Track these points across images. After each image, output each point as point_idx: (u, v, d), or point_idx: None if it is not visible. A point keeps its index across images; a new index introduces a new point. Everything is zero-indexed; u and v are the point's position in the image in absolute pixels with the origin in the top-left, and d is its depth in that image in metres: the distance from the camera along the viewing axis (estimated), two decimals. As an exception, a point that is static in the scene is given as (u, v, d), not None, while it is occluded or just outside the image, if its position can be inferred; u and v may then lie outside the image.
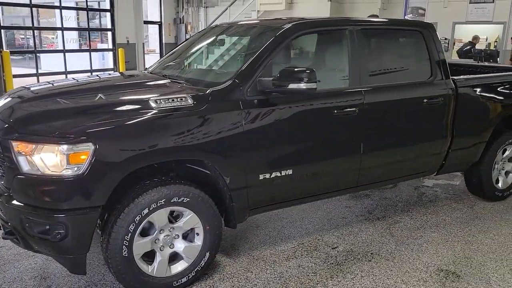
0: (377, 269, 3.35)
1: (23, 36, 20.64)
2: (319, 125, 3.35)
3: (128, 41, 13.99)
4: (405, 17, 13.30)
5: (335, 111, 3.38)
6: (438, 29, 12.50)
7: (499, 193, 4.73)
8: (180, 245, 2.98)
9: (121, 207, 2.71)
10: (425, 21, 4.29)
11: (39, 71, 12.24)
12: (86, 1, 13.01)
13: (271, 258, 3.48)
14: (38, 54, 15.17)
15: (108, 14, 13.81)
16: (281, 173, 3.23)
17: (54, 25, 15.16)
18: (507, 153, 4.71)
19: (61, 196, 2.55)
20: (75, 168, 2.51)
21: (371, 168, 3.74)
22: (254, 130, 3.05)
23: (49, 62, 15.01)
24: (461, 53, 11.96)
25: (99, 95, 2.98)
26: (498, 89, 4.44)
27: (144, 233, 2.86)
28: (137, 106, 2.81)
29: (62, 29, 12.61)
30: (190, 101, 2.89)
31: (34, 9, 13.93)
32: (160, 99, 2.84)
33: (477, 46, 12.20)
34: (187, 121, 2.82)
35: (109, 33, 13.80)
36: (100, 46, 15.10)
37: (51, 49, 15.97)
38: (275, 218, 4.23)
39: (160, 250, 2.92)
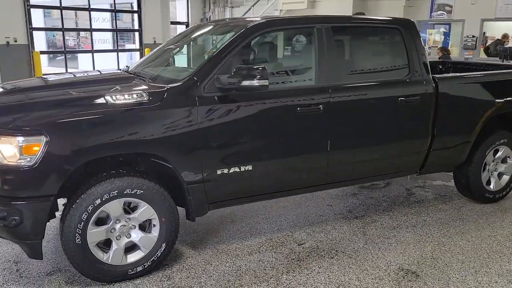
0: (337, 266, 3.35)
1: (67, 37, 21.68)
2: (281, 122, 3.39)
3: (155, 41, 14.36)
4: (432, 14, 12.97)
5: (298, 109, 3.41)
6: (466, 26, 12.15)
7: (490, 195, 4.59)
8: (136, 235, 3.11)
9: (75, 197, 2.87)
10: (405, 18, 4.18)
11: (74, 70, 12.80)
12: (114, 3, 13.48)
13: (235, 252, 3.56)
14: (76, 55, 15.92)
15: (136, 15, 14.24)
16: (240, 169, 3.30)
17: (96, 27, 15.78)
18: (499, 153, 4.56)
19: (16, 185, 2.73)
20: (28, 159, 2.68)
21: (341, 166, 3.74)
22: (211, 126, 3.13)
23: (86, 62, 15.61)
24: (489, 51, 11.56)
25: (64, 90, 3.16)
26: (485, 87, 4.30)
27: (101, 222, 3.01)
28: (93, 102, 2.96)
29: (91, 30, 13.12)
30: (145, 97, 3.01)
31: (72, 12, 14.67)
32: (116, 95, 2.98)
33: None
34: (141, 116, 2.94)
35: (137, 34, 14.23)
36: (128, 46, 15.59)
37: (82, 49, 16.59)
38: (252, 214, 4.30)
39: (117, 239, 3.06)
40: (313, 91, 3.51)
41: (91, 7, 12.88)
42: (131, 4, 15.87)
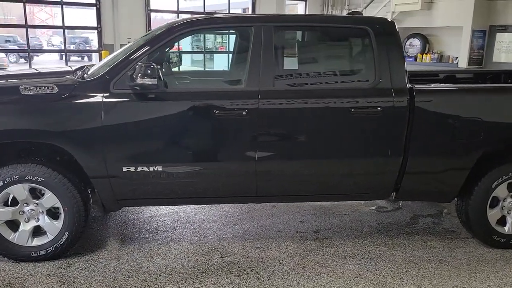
0: (233, 285, 3.06)
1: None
2: (194, 124, 3.22)
3: (267, 43, 14.63)
4: None
5: (216, 111, 3.20)
6: None
7: (501, 239, 3.64)
8: (43, 221, 3.29)
9: (-16, 178, 3.16)
10: (381, 17, 3.57)
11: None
12: (228, 5, 14.13)
13: (153, 253, 3.49)
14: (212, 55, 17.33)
15: (251, 18, 14.71)
16: (148, 168, 3.24)
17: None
18: (519, 188, 3.60)
19: None
20: None
21: (274, 179, 3.39)
22: (116, 123, 3.14)
23: (220, 62, 16.55)
24: None
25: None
26: (490, 104, 3.45)
27: (13, 204, 3.26)
28: (5, 92, 3.22)
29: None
30: (55, 89, 3.16)
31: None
32: (28, 87, 3.18)
33: None
34: (45, 107, 3.11)
35: (250, 36, 14.69)
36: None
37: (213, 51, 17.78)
38: (213, 218, 4.16)
39: (25, 221, 3.28)
40: (236, 95, 3.25)
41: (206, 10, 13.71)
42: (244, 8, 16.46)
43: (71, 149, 3.15)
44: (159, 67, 3.02)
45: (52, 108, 3.11)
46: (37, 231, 3.33)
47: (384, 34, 3.40)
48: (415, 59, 12.48)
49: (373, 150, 3.40)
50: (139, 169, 3.23)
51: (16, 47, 25.01)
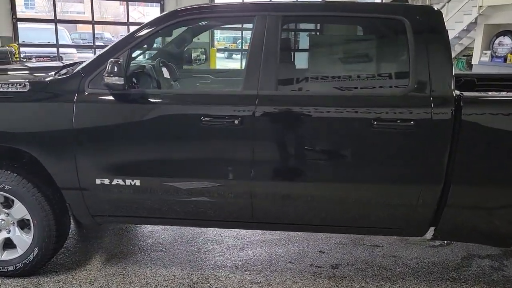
0: (208, 334, 2.50)
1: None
2: (178, 133, 2.70)
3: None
4: None
5: (205, 119, 2.64)
6: None
7: None
8: (14, 233, 2.95)
9: (-46, 183, 2.87)
10: (422, 5, 2.78)
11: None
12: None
13: (133, 278, 3.02)
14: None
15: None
16: (125, 182, 2.77)
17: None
18: None
19: None
20: None
21: (273, 202, 2.77)
22: (88, 127, 2.71)
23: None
24: None
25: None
26: None
27: (-14, 212, 2.96)
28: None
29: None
30: (27, 87, 2.79)
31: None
32: (1, 83, 2.84)
33: None
34: (11, 106, 2.76)
35: (318, 33, 13.97)
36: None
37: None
38: (219, 239, 3.62)
39: (-5, 232, 2.96)
40: (228, 100, 2.68)
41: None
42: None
43: (38, 155, 2.77)
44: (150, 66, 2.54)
45: (18, 107, 2.75)
46: (10, 244, 3.00)
47: (425, 28, 2.62)
48: (505, 60, 10.99)
49: (402, 175, 2.65)
50: (115, 182, 2.77)
51: (102, 44, 26.18)
